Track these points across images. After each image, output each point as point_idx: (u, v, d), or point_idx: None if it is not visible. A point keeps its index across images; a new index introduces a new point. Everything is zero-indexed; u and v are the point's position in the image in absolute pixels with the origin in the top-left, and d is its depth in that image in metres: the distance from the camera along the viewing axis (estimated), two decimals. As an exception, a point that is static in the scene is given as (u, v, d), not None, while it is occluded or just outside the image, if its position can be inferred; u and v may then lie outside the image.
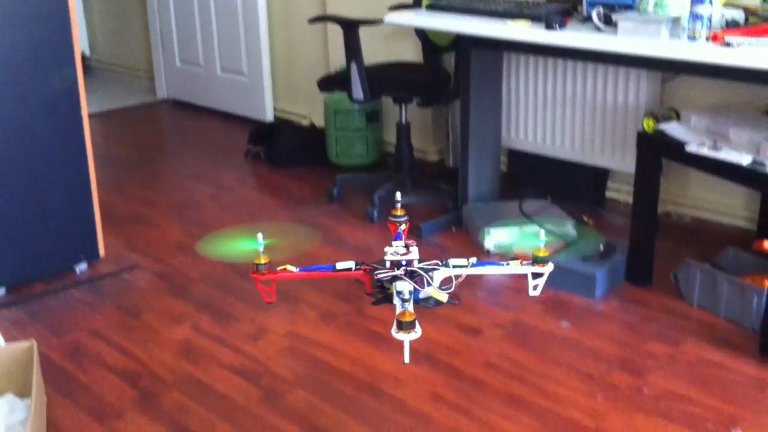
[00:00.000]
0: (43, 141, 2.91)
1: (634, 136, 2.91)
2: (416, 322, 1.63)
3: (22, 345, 2.25)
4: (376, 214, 3.58)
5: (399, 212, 2.00)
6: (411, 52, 4.10)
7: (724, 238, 3.17)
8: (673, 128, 2.72)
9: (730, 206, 3.32)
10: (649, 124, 2.73)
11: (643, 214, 2.86)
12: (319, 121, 4.59)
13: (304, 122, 4.80)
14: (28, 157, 2.89)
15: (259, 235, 1.72)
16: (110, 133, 5.14)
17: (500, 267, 1.81)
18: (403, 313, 1.67)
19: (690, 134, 2.66)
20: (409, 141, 3.80)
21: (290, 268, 1.79)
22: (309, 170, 4.28)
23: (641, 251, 2.89)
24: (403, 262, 1.78)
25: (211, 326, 2.73)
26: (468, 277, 3.13)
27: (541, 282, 1.79)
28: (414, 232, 3.42)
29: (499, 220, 3.29)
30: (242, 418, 2.24)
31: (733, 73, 2.44)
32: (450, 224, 3.50)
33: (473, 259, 1.80)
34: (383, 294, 1.84)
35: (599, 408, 2.23)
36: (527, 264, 1.79)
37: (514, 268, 1.79)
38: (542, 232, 1.78)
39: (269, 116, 5.04)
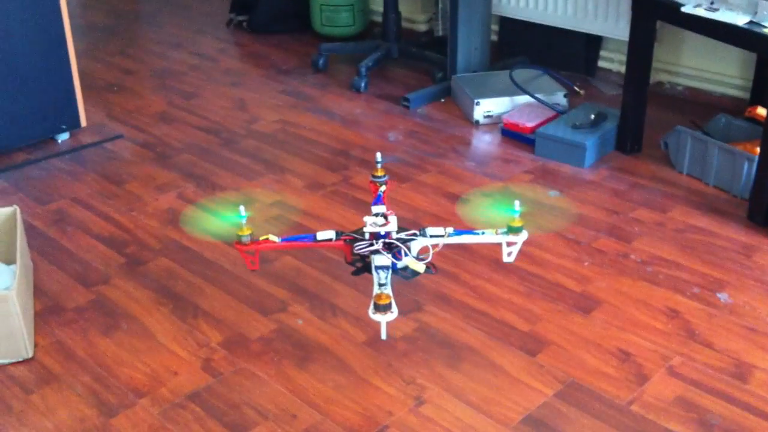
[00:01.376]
0: (17, 9, 2.79)
1: (628, 1, 2.82)
2: (392, 303, 1.71)
3: (5, 210, 2.21)
4: (362, 84, 3.50)
5: (379, 172, 2.02)
6: None
7: (717, 106, 3.13)
8: (670, -10, 2.63)
9: (724, 75, 3.26)
10: (645, -14, 2.64)
11: (634, 81, 2.80)
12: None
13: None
14: (2, 27, 2.77)
15: (241, 208, 1.83)
16: (87, 1, 4.96)
17: (476, 236, 1.88)
18: (379, 296, 1.71)
19: (687, -5, 2.57)
20: (397, 8, 3.69)
21: (272, 238, 1.87)
22: (293, 40, 4.16)
23: (632, 119, 2.85)
24: (382, 233, 1.82)
25: (197, 195, 2.70)
26: (456, 148, 3.13)
27: (515, 250, 1.88)
28: (402, 103, 3.35)
29: (489, 90, 3.23)
30: (230, 282, 2.24)
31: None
32: (439, 95, 3.43)
33: (450, 229, 1.88)
34: (362, 264, 1.90)
35: (586, 273, 2.24)
36: (502, 233, 1.86)
37: (489, 237, 1.88)
38: (517, 202, 1.85)
39: (252, -16, 4.86)
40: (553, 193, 2.66)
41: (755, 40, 2.34)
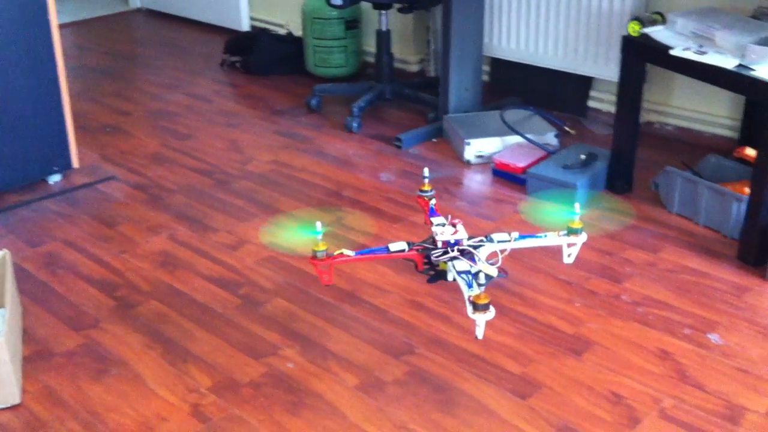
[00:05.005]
0: (10, 50, 2.81)
1: (619, 42, 2.85)
2: (490, 304, 1.75)
3: (-5, 255, 2.21)
4: (355, 124, 3.52)
5: (426, 187, 2.20)
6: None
7: (706, 147, 3.15)
8: (658, 32, 2.66)
9: (714, 115, 3.28)
10: (634, 28, 2.66)
11: (625, 121, 2.82)
12: (297, 31, 4.48)
13: (282, 31, 4.68)
14: (-5, 67, 2.80)
15: (318, 224, 1.89)
16: (84, 43, 5.00)
17: (540, 239, 1.99)
18: (479, 296, 1.77)
19: (675, 38, 2.60)
20: (389, 50, 3.72)
21: (347, 252, 1.95)
22: (287, 80, 4.19)
23: (622, 159, 2.87)
24: (453, 241, 1.93)
25: (189, 237, 2.70)
26: (448, 188, 3.16)
27: (574, 251, 1.99)
28: (394, 144, 3.37)
29: (480, 130, 3.25)
30: (221, 325, 2.23)
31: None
32: (431, 135, 3.45)
33: (515, 234, 1.98)
34: (435, 271, 1.97)
35: (578, 314, 2.24)
36: (563, 235, 1.97)
37: (552, 239, 1.99)
38: (577, 205, 1.96)
39: (245, 25, 4.91)
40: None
41: (744, 83, 2.37)
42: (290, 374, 2.03)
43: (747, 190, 2.47)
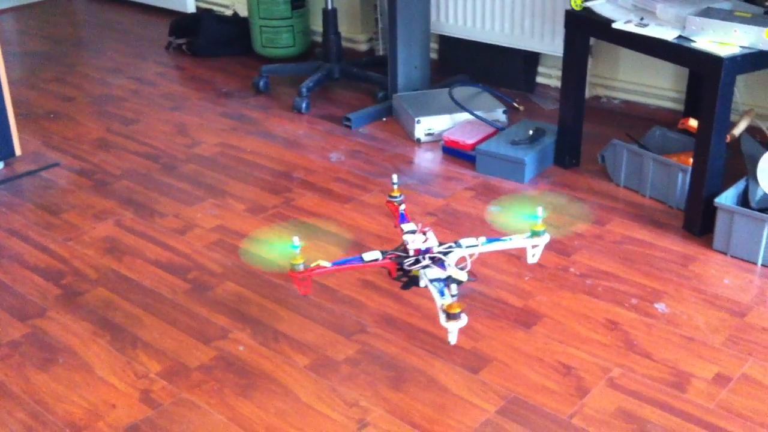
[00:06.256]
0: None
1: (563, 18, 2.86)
2: (463, 312, 1.83)
3: (-66, 246, 2.15)
4: (304, 105, 3.49)
5: (396, 192, 2.27)
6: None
7: (653, 119, 3.19)
8: (600, 5, 2.67)
9: (659, 88, 3.33)
10: (576, 2, 2.68)
11: (571, 95, 2.84)
12: (243, 11, 4.42)
13: (228, 12, 4.62)
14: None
15: (295, 239, 1.95)
16: (25, 28, 4.88)
17: (506, 242, 2.09)
18: (450, 305, 1.83)
19: (617, 11, 2.62)
20: (337, 29, 3.69)
21: (323, 263, 1.99)
22: (234, 62, 4.14)
23: (569, 134, 2.89)
24: (424, 249, 2.00)
25: (136, 222, 2.66)
26: (398, 167, 3.16)
27: (538, 251, 2.09)
28: (344, 123, 3.36)
29: (429, 108, 3.24)
30: (170, 311, 2.20)
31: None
32: (381, 114, 3.44)
33: (482, 238, 2.08)
34: (408, 277, 2.04)
35: (527, 288, 2.26)
36: (527, 237, 2.08)
37: (517, 242, 2.09)
38: (540, 209, 2.07)
39: (191, 7, 4.83)
40: (494, 209, 2.67)
41: (684, 54, 2.39)
42: (241, 357, 2.02)
43: (691, 160, 2.51)
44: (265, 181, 2.92)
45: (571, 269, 2.33)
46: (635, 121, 3.23)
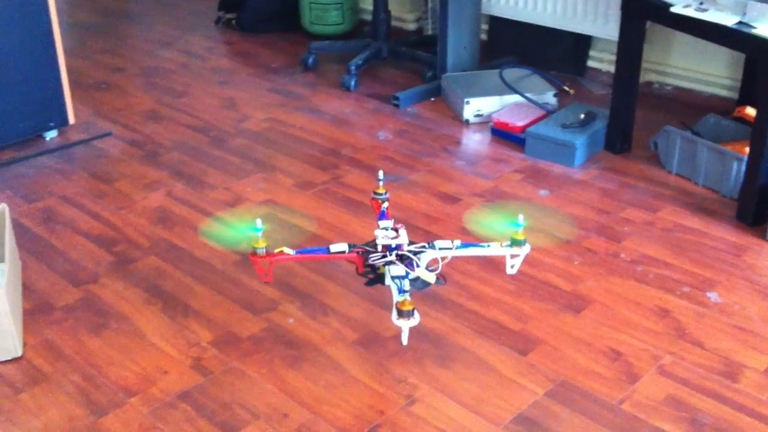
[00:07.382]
0: (4, 8, 2.77)
1: (618, 0, 2.82)
2: (415, 310, 1.76)
3: (-7, 209, 2.19)
4: (353, 82, 3.50)
5: (381, 190, 2.13)
6: None
7: (706, 106, 3.14)
8: (660, -10, 2.64)
9: (713, 75, 3.28)
10: (635, -13, 2.64)
11: (624, 80, 2.80)
12: (293, -12, 4.42)
13: (277, -11, 4.62)
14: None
15: (258, 221, 1.86)
16: (73, 0, 4.94)
17: (482, 249, 1.95)
18: (403, 302, 1.76)
19: (677, -4, 2.58)
20: (386, 7, 3.68)
21: (286, 250, 1.92)
22: (282, 38, 4.15)
23: (621, 119, 2.86)
24: (393, 245, 1.90)
25: (186, 193, 2.69)
26: (446, 147, 3.14)
27: (517, 262, 1.94)
28: (392, 102, 3.35)
29: (479, 89, 3.23)
30: (220, 281, 2.23)
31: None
32: (429, 94, 3.43)
33: (457, 242, 1.95)
34: (375, 275, 1.95)
35: (576, 272, 2.25)
36: (506, 246, 1.93)
37: (494, 250, 1.94)
38: (521, 216, 1.91)
39: (240, -18, 4.84)
40: (543, 193, 2.66)
41: (744, 40, 2.35)
42: (290, 329, 2.04)
43: (746, 149, 2.47)
44: (313, 157, 2.93)
45: (622, 255, 2.32)
46: (687, 108, 3.18)
